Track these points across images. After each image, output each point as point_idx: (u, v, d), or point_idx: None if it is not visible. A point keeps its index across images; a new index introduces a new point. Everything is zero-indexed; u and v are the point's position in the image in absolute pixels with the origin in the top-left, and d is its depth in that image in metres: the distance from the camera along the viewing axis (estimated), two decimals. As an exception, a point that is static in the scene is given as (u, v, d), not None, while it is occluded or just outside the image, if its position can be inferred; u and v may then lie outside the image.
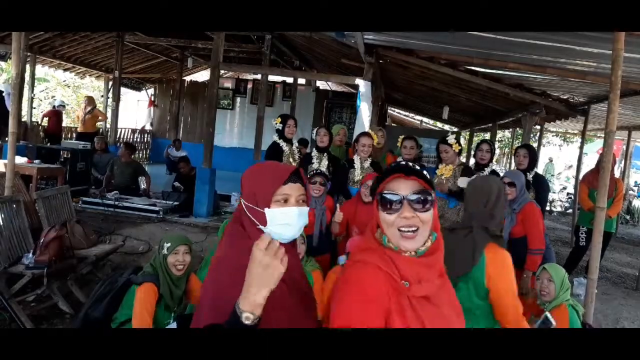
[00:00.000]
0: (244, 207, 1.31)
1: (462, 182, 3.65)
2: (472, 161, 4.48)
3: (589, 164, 10.12)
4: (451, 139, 3.92)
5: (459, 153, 4.00)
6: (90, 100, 9.64)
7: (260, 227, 1.27)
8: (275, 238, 1.23)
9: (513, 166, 4.61)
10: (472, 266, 1.88)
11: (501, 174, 4.23)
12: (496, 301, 1.87)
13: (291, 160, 4.31)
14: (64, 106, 10.25)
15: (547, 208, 11.99)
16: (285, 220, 1.25)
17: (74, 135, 9.99)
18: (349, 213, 3.58)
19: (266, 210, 1.25)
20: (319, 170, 3.62)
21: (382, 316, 1.13)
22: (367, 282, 1.15)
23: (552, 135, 20.05)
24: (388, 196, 1.16)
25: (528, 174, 4.06)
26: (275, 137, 4.37)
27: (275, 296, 1.25)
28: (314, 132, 4.31)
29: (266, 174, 1.31)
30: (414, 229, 1.14)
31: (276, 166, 1.37)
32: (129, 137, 12.52)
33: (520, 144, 5.07)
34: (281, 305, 1.28)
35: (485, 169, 4.07)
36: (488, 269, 1.86)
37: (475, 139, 11.84)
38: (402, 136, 4.31)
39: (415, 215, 1.14)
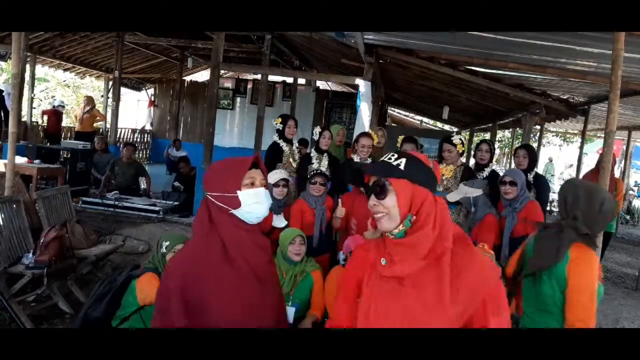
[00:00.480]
0: (211, 198, 1.47)
1: (452, 197, 3.66)
2: (472, 161, 4.47)
3: (589, 164, 10.12)
4: (456, 138, 3.88)
5: (462, 154, 3.99)
6: (89, 100, 9.64)
7: (233, 211, 1.44)
8: (246, 218, 1.46)
9: (513, 166, 4.61)
10: (556, 262, 1.92)
11: (501, 174, 4.23)
12: (569, 296, 1.89)
13: (291, 160, 4.31)
14: (63, 106, 10.25)
15: (547, 208, 11.98)
16: (256, 199, 1.45)
17: (73, 135, 10.00)
18: (348, 205, 3.58)
19: (239, 192, 1.43)
20: (319, 171, 3.62)
21: (356, 283, 1.37)
22: (354, 257, 1.45)
23: (552, 135, 20.06)
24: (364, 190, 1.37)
25: (528, 174, 4.05)
26: (276, 137, 4.36)
27: (225, 284, 1.40)
28: (316, 132, 4.28)
29: (232, 164, 1.51)
30: (380, 214, 1.28)
31: (237, 158, 1.56)
32: (129, 137, 12.53)
33: (519, 144, 5.05)
34: (232, 294, 1.41)
35: (485, 169, 4.07)
36: (569, 265, 1.90)
37: (475, 139, 11.84)
38: (402, 137, 4.29)
39: (378, 203, 1.28)
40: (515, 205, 3.40)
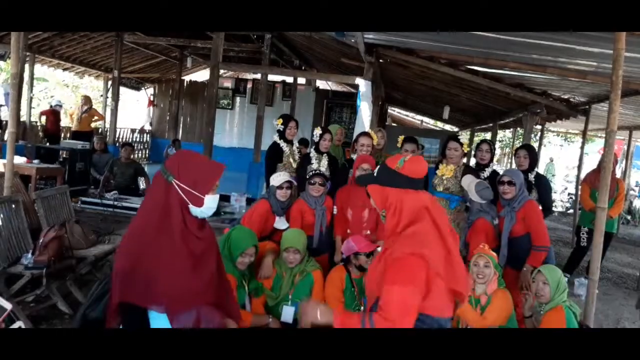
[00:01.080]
0: (177, 187, 1.62)
1: (465, 180, 3.63)
2: (472, 161, 4.46)
3: (590, 164, 10.11)
4: (464, 138, 3.92)
5: (465, 154, 4.00)
6: (87, 100, 9.63)
7: (191, 206, 1.64)
8: (197, 214, 1.66)
9: (514, 166, 4.60)
10: None
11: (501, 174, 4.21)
12: None
13: (291, 160, 4.29)
14: (60, 106, 10.24)
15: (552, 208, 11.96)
16: (213, 204, 1.68)
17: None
18: (344, 198, 3.59)
19: (207, 197, 1.64)
20: (318, 171, 3.61)
21: None
22: None
23: (553, 135, 20.05)
24: None
25: (529, 174, 4.04)
26: (276, 137, 4.35)
27: (168, 266, 1.61)
28: (316, 134, 4.25)
29: (208, 166, 1.71)
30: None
31: (210, 160, 1.78)
32: (128, 137, 12.52)
33: (520, 145, 5.02)
34: (174, 275, 1.61)
35: (486, 169, 4.06)
36: None
37: (476, 139, 11.80)
38: (402, 136, 4.28)
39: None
40: (513, 205, 3.40)
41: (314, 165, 4.12)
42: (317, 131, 4.22)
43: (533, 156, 4.11)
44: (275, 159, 4.27)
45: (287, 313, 3.05)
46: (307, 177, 3.64)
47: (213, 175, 1.69)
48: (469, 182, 3.55)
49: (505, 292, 2.90)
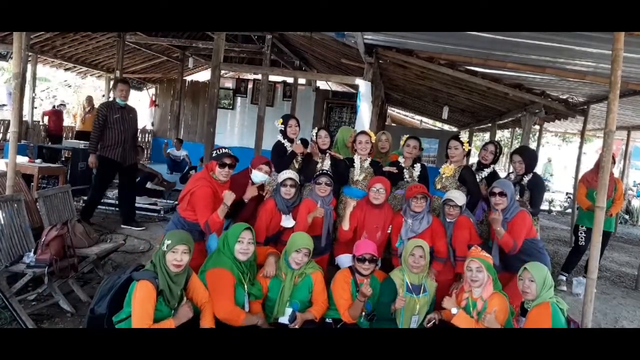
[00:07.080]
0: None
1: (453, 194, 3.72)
2: (472, 160, 4.48)
3: (588, 164, 10.11)
4: (464, 137, 3.99)
5: (468, 154, 4.02)
6: (89, 100, 9.68)
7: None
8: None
9: (511, 168, 4.62)
10: None
11: (501, 175, 4.23)
12: None
13: (293, 160, 4.30)
14: (64, 105, 10.29)
15: (547, 208, 11.98)
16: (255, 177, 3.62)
17: (74, 134, 10.03)
18: (360, 218, 3.63)
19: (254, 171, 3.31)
20: (323, 171, 3.63)
21: None
22: None
23: (552, 135, 20.07)
24: None
25: (525, 176, 4.03)
26: (279, 137, 4.37)
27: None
28: (314, 133, 4.27)
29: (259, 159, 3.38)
30: None
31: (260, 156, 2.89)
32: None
33: (514, 149, 4.82)
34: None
35: (485, 169, 4.08)
36: None
37: (475, 139, 11.81)
38: (407, 136, 4.34)
39: None
40: (506, 215, 3.42)
41: (317, 165, 4.15)
42: (314, 131, 4.27)
43: (528, 160, 4.06)
44: (279, 157, 4.28)
45: (286, 314, 3.08)
46: (314, 177, 3.69)
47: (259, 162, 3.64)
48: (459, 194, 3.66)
49: (501, 296, 2.91)
